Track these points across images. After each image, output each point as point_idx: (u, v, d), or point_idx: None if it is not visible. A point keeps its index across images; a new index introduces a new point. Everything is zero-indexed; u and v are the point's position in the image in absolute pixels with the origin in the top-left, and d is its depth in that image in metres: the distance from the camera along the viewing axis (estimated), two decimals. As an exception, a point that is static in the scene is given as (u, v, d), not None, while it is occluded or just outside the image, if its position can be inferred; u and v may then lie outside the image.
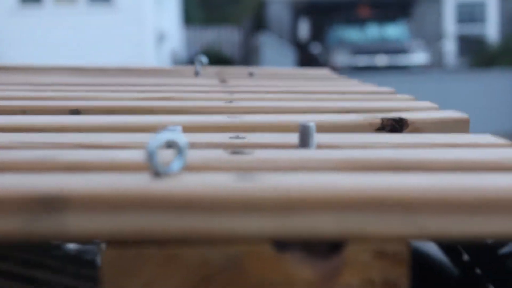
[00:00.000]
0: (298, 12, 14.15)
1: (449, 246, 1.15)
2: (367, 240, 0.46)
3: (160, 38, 11.06)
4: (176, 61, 12.67)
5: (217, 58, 12.80)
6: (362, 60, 12.22)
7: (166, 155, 0.51)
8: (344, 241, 0.46)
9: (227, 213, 0.46)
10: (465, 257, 1.15)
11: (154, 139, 0.47)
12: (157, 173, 0.48)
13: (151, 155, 0.47)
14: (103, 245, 0.46)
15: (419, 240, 0.47)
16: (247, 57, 13.92)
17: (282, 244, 0.46)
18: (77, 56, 9.75)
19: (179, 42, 13.92)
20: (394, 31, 13.28)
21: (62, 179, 0.47)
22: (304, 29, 13.85)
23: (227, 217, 0.46)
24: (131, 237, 0.45)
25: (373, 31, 13.21)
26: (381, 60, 12.23)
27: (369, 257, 0.46)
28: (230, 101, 0.98)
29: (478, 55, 13.48)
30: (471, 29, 14.64)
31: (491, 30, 14.61)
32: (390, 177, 0.50)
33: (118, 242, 0.46)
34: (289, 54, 11.33)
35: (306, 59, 12.83)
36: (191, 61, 13.41)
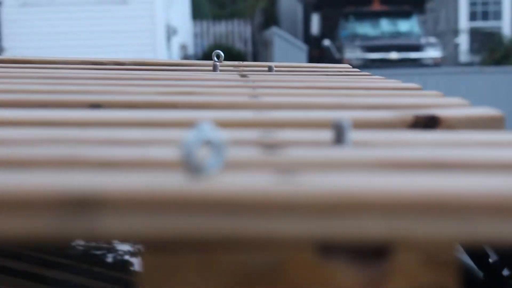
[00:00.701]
0: (310, 6, 14.09)
1: (475, 248, 1.13)
2: (416, 244, 0.44)
3: (171, 32, 11.04)
4: (187, 56, 12.65)
5: (227, 53, 12.76)
6: (374, 55, 12.16)
7: (203, 153, 0.48)
8: (392, 245, 0.44)
9: (268, 216, 0.43)
10: (492, 259, 1.13)
11: (191, 137, 0.45)
12: (194, 173, 0.45)
13: (188, 154, 0.45)
14: (142, 248, 0.44)
15: (470, 244, 0.45)
16: (258, 52, 13.89)
17: (326, 249, 0.44)
18: (87, 50, 9.75)
19: (189, 37, 13.90)
20: (406, 26, 13.20)
21: (97, 177, 0.45)
22: (315, 23, 13.79)
23: (269, 220, 0.43)
24: (168, 239, 0.43)
25: (385, 26, 13.14)
26: (393, 55, 12.16)
27: (418, 263, 0.44)
28: (255, 96, 0.96)
29: (491, 51, 13.38)
30: (485, 25, 14.54)
31: (506, 26, 14.49)
32: (437, 178, 0.47)
33: (157, 245, 0.43)
34: (301, 49, 11.28)
35: (318, 54, 12.78)
36: (202, 56, 13.39)
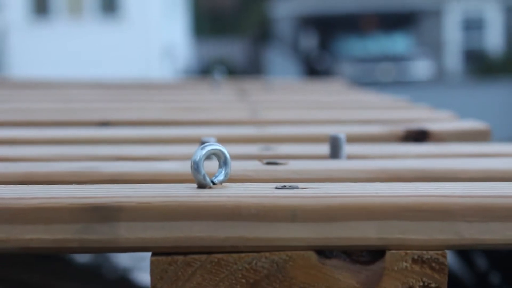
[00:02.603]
0: (304, 24, 14.22)
1: (464, 252, 1.17)
2: (407, 248, 0.48)
3: (168, 50, 11.11)
4: (184, 73, 12.72)
5: (224, 69, 12.81)
6: (367, 71, 12.26)
7: (209, 166, 0.53)
8: (384, 249, 0.48)
9: (272, 222, 0.47)
10: (481, 263, 1.17)
11: (200, 152, 0.49)
12: (203, 184, 0.50)
13: (197, 167, 0.49)
14: (152, 254, 0.48)
15: (457, 248, 0.49)
16: (254, 68, 13.97)
17: (325, 252, 0.48)
18: (87, 68, 9.81)
19: (187, 54, 13.98)
20: (398, 42, 13.34)
21: (114, 190, 0.49)
22: (309, 40, 13.90)
23: (272, 226, 0.47)
24: (180, 245, 0.47)
25: (377, 43, 13.28)
26: (385, 71, 12.27)
27: (409, 265, 0.48)
28: (254, 113, 1.00)
29: (480, 66, 13.50)
30: (474, 40, 14.66)
31: (494, 41, 14.62)
32: (425, 186, 0.52)
33: (167, 251, 0.47)
34: (295, 65, 11.36)
35: (312, 70, 12.86)
36: (199, 72, 13.44)
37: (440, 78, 13.20)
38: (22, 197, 0.47)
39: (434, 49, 14.13)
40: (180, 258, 0.47)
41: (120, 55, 10.23)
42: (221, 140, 0.81)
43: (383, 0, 14.17)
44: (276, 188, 0.50)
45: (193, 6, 15.72)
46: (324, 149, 0.71)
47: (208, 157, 0.51)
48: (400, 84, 11.13)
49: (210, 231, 0.47)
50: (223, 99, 1.26)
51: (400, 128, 0.83)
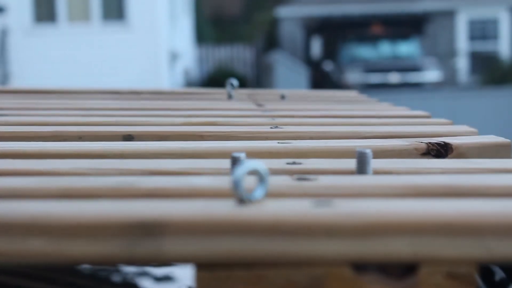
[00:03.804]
0: (311, 30, 14.24)
1: (482, 266, 1.18)
2: (439, 262, 0.50)
3: (174, 57, 11.16)
4: (189, 80, 12.76)
5: (229, 77, 12.86)
6: (375, 78, 12.26)
7: (249, 182, 0.55)
8: (417, 263, 0.50)
9: (309, 237, 0.49)
10: (499, 276, 1.18)
11: (240, 169, 0.51)
12: (242, 200, 0.52)
13: (236, 183, 0.51)
14: (195, 267, 0.50)
15: (488, 263, 0.51)
16: (260, 75, 14.00)
17: (360, 266, 0.50)
18: (92, 76, 9.86)
19: (192, 61, 14.03)
20: (406, 48, 13.33)
21: (158, 205, 0.51)
22: (316, 47, 13.93)
23: (309, 241, 0.49)
24: (222, 259, 0.49)
25: (385, 49, 13.27)
26: (394, 78, 12.27)
27: (441, 279, 0.50)
28: (276, 127, 1.02)
29: (490, 72, 13.50)
30: (484, 46, 14.68)
31: (504, 47, 14.63)
32: (456, 203, 0.54)
33: (210, 265, 0.49)
34: (302, 72, 11.39)
35: (319, 77, 12.88)
36: (205, 80, 13.43)
37: (449, 84, 13.20)
38: (71, 212, 0.49)
39: (443, 55, 14.14)
40: (223, 273, 0.49)
41: (127, 63, 10.27)
42: (248, 155, 0.83)
43: (391, 5, 14.20)
44: (312, 204, 0.52)
45: (198, 13, 15.78)
46: (349, 163, 0.73)
47: (248, 173, 0.52)
48: (409, 89, 11.12)
49: (251, 246, 0.49)
50: (241, 112, 1.28)
51: (423, 143, 0.85)
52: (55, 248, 0.48)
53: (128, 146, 0.88)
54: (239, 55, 14.83)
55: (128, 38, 10.35)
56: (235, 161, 0.69)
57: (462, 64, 14.55)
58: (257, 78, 13.88)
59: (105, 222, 0.49)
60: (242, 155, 0.69)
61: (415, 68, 12.49)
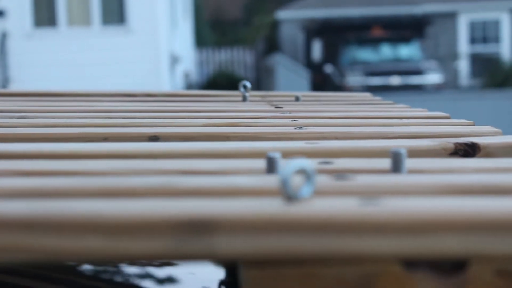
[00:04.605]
0: (311, 33, 14.25)
1: None
2: (489, 259, 0.50)
3: (174, 60, 11.17)
4: (189, 83, 12.76)
5: (229, 80, 12.90)
6: (376, 81, 12.27)
7: (297, 181, 0.55)
8: (467, 260, 0.50)
9: (359, 235, 0.50)
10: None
11: (288, 167, 0.51)
12: (290, 198, 0.52)
13: (284, 181, 0.52)
14: (243, 266, 0.50)
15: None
16: (260, 78, 14.01)
17: (410, 263, 0.50)
18: (92, 79, 9.86)
19: (192, 64, 14.04)
20: (407, 51, 13.34)
21: (209, 204, 0.52)
22: (317, 50, 13.94)
23: (359, 238, 0.50)
24: (272, 257, 0.49)
25: (386, 52, 13.28)
26: (395, 80, 12.28)
27: (491, 276, 0.50)
28: (300, 127, 1.03)
29: (492, 74, 13.51)
30: (485, 49, 14.69)
31: (505, 49, 14.64)
32: (501, 201, 0.54)
33: (259, 263, 0.50)
34: (303, 75, 11.40)
35: (320, 80, 12.89)
36: (206, 83, 13.42)
37: (450, 87, 13.22)
38: (124, 211, 0.50)
39: (444, 58, 14.15)
40: (272, 271, 0.50)
41: (128, 67, 10.28)
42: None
43: (392, 8, 14.23)
44: (359, 202, 0.53)
45: (198, 16, 15.80)
46: (383, 163, 0.73)
47: (296, 172, 0.52)
48: (411, 92, 11.13)
49: (300, 244, 0.49)
50: (260, 113, 1.28)
51: (450, 143, 0.85)
52: (111, 245, 0.49)
53: (155, 146, 0.88)
54: (239, 58, 14.85)
55: (129, 41, 10.36)
56: (270, 161, 0.69)
57: (463, 66, 14.56)
58: (258, 82, 13.89)
59: (158, 220, 0.49)
60: (277, 155, 0.70)
61: (416, 71, 12.50)
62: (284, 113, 1.26)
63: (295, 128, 1.02)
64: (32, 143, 0.92)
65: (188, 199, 0.55)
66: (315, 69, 13.33)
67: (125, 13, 10.38)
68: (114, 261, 0.50)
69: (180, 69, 12.08)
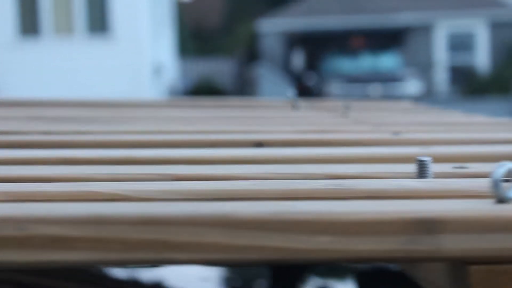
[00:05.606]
0: (292, 42, 14.35)
1: None
2: None
3: (157, 69, 11.16)
4: (172, 92, 12.75)
5: (210, 89, 12.93)
6: (356, 89, 12.41)
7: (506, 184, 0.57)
8: None
9: None
10: None
11: (499, 170, 0.54)
12: (501, 199, 0.55)
13: (496, 184, 0.54)
14: (467, 264, 0.52)
15: None
16: (242, 88, 14.05)
17: None
18: (76, 87, 9.80)
19: (175, 73, 14.03)
20: (387, 60, 13.52)
21: (435, 204, 0.54)
22: (298, 59, 14.04)
23: None
24: (495, 255, 0.52)
25: (366, 61, 13.45)
26: (375, 89, 12.43)
27: None
28: (397, 133, 1.05)
29: (469, 83, 13.74)
30: (462, 58, 14.94)
31: (482, 59, 14.91)
32: None
33: (483, 260, 0.52)
34: (285, 84, 11.47)
35: (301, 89, 12.98)
36: (188, 92, 13.38)
37: (428, 95, 13.41)
38: (352, 211, 0.52)
39: (423, 67, 14.35)
40: (498, 267, 0.52)
41: (111, 75, 10.24)
42: (404, 159, 0.86)
43: (371, 19, 14.39)
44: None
45: (179, 26, 15.80)
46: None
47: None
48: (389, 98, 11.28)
49: (518, 242, 0.52)
50: (330, 118, 1.31)
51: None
52: (341, 245, 0.51)
53: (258, 152, 0.90)
54: (223, 67, 14.88)
55: (112, 49, 10.33)
56: (421, 165, 0.72)
57: (441, 75, 14.78)
58: (239, 91, 13.93)
59: (387, 220, 0.51)
60: (427, 159, 0.72)
61: (396, 79, 12.68)
62: (355, 120, 1.29)
63: (393, 134, 1.04)
64: (136, 148, 0.93)
65: (415, 200, 0.57)
66: (296, 78, 13.42)
67: (109, 22, 10.34)
68: (342, 261, 0.52)
69: (163, 78, 12.06)
